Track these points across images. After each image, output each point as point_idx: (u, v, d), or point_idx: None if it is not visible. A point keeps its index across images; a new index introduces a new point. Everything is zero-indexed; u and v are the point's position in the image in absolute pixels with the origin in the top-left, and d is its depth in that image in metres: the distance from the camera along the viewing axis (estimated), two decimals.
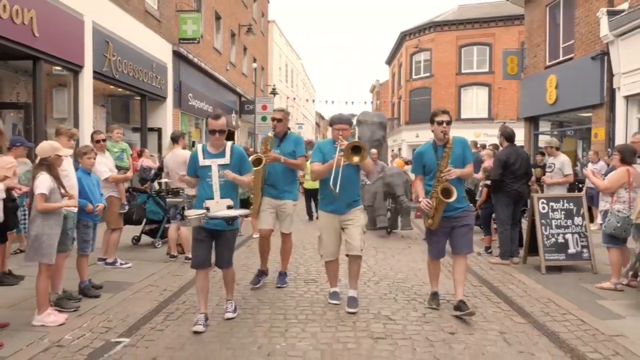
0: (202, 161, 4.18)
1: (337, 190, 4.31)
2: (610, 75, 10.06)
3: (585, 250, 6.28)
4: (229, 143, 4.29)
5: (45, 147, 4.30)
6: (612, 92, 10.11)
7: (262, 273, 5.49)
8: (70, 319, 4.17)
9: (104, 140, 5.99)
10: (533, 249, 6.47)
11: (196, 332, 3.93)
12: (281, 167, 5.14)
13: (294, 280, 5.66)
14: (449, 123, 4.48)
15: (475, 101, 30.17)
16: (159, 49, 13.28)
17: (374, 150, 13.88)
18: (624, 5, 9.61)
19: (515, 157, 6.38)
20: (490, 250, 7.30)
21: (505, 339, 3.93)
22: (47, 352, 3.51)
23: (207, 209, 4.00)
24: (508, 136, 6.63)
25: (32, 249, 4.10)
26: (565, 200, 6.45)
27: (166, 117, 14.03)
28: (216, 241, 4.21)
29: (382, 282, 5.71)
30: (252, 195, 5.44)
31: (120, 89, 11.79)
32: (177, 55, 14.46)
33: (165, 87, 13.67)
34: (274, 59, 32.90)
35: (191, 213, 3.97)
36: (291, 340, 3.83)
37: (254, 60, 25.69)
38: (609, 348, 3.67)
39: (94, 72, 9.81)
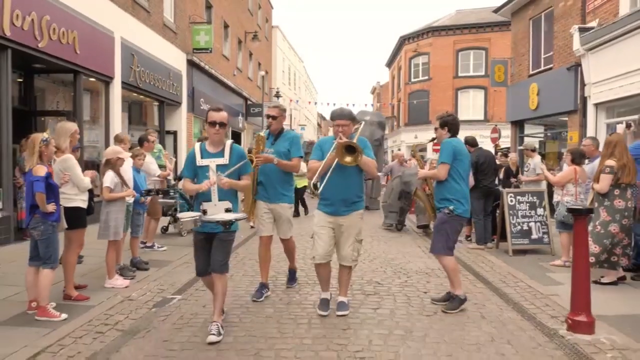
0: (200, 161, 3.95)
1: (320, 191, 4.16)
2: (583, 84, 11.25)
3: (545, 236, 7.51)
4: (229, 142, 4.05)
5: (109, 151, 5.57)
6: (584, 100, 11.28)
7: (264, 286, 5.03)
8: (131, 284, 5.39)
9: (153, 142, 7.18)
10: (504, 236, 7.69)
11: (211, 343, 3.69)
12: (275, 168, 4.75)
13: (302, 259, 6.86)
14: (435, 129, 4.82)
15: (472, 103, 31.27)
16: (175, 59, 14.52)
17: (401, 152, 14.61)
18: (594, 23, 10.80)
19: (484, 158, 7.59)
20: (469, 238, 8.51)
21: (465, 297, 5.12)
22: (123, 303, 4.72)
23: (204, 211, 3.85)
24: (471, 142, 7.71)
25: (103, 229, 5.33)
26: (529, 194, 7.66)
27: (181, 121, 15.29)
28: (211, 244, 3.94)
29: (375, 260, 6.94)
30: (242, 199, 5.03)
31: (141, 96, 13.04)
32: (190, 63, 15.68)
33: (180, 93, 14.90)
34: (278, 62, 34.06)
35: (184, 216, 3.82)
36: (304, 295, 5.08)
37: (259, 65, 26.92)
38: (543, 302, 4.88)
39: (122, 82, 11.06)
